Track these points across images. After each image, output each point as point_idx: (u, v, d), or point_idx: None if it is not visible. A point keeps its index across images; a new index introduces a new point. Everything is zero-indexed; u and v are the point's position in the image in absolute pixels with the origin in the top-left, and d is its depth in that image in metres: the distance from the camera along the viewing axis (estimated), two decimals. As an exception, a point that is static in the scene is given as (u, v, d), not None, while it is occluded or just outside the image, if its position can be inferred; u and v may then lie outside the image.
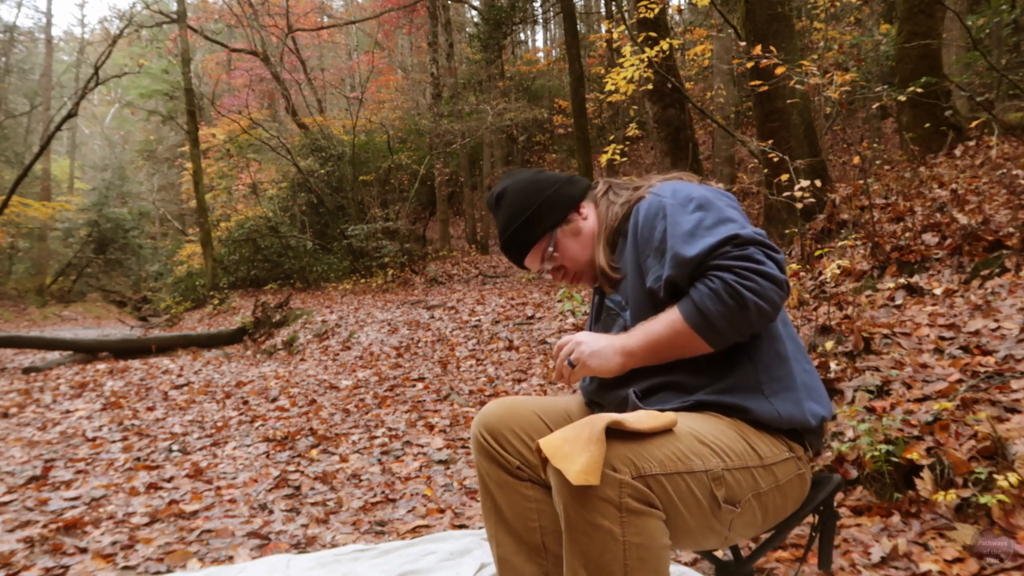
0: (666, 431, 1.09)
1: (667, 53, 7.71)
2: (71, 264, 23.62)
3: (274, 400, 4.70)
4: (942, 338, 2.82)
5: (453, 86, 16.67)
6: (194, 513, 2.58)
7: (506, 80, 17.43)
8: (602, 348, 1.24)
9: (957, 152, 6.38)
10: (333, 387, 5.03)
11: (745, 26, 6.17)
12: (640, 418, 1.07)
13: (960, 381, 2.35)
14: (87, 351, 7.99)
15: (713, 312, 1.13)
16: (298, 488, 2.85)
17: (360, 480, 2.95)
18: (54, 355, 7.95)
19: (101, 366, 6.87)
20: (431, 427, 3.74)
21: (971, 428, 2.04)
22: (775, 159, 5.20)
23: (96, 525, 2.45)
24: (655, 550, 1.03)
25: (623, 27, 8.17)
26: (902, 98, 5.18)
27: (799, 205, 3.97)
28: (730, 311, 1.12)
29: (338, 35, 24.10)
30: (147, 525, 2.46)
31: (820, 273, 4.36)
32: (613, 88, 8.00)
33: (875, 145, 9.17)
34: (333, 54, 25.66)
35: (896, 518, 1.92)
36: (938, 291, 3.44)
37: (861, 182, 4.89)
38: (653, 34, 7.65)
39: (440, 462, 3.14)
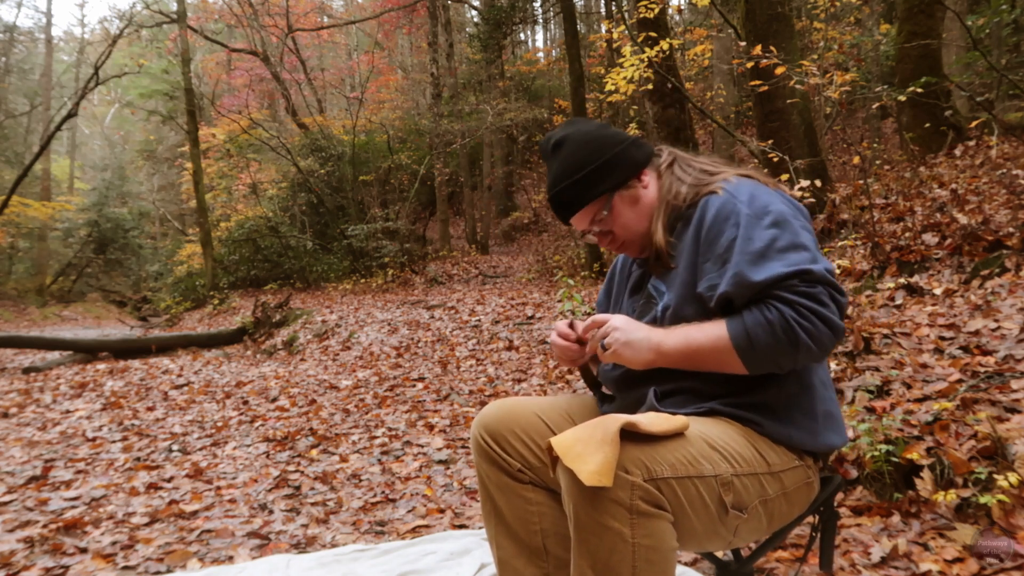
0: (678, 434, 1.09)
1: (667, 53, 7.71)
2: (71, 264, 23.61)
3: (274, 400, 4.70)
4: (942, 338, 2.82)
5: (453, 86, 16.67)
6: (194, 513, 2.58)
7: (506, 80, 17.42)
8: (638, 340, 1.19)
9: (957, 152, 6.38)
10: (333, 387, 5.03)
11: (745, 26, 6.17)
12: (652, 420, 1.07)
13: (960, 381, 2.34)
14: (87, 351, 7.99)
15: (762, 342, 1.10)
16: (298, 488, 2.85)
17: (360, 480, 2.95)
18: (54, 355, 7.94)
19: (101, 366, 6.87)
20: (431, 427, 3.74)
21: (971, 428, 2.04)
22: (775, 159, 5.19)
23: (96, 525, 2.45)
24: (663, 552, 1.03)
25: (623, 27, 8.17)
26: (902, 98, 5.18)
27: (799, 205, 3.96)
28: (779, 346, 1.09)
29: (338, 35, 24.09)
30: (147, 525, 2.46)
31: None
32: (613, 88, 8.00)
33: (875, 145, 9.16)
34: (333, 54, 25.65)
35: (896, 518, 1.92)
36: (938, 291, 3.44)
37: (861, 182, 4.89)
38: (653, 34, 7.65)
39: (440, 462, 3.14)
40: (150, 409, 4.58)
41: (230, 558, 2.17)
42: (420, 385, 4.85)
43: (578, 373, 1.27)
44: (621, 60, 7.93)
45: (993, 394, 2.20)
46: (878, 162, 7.53)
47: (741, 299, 1.14)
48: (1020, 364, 2.39)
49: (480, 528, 2.30)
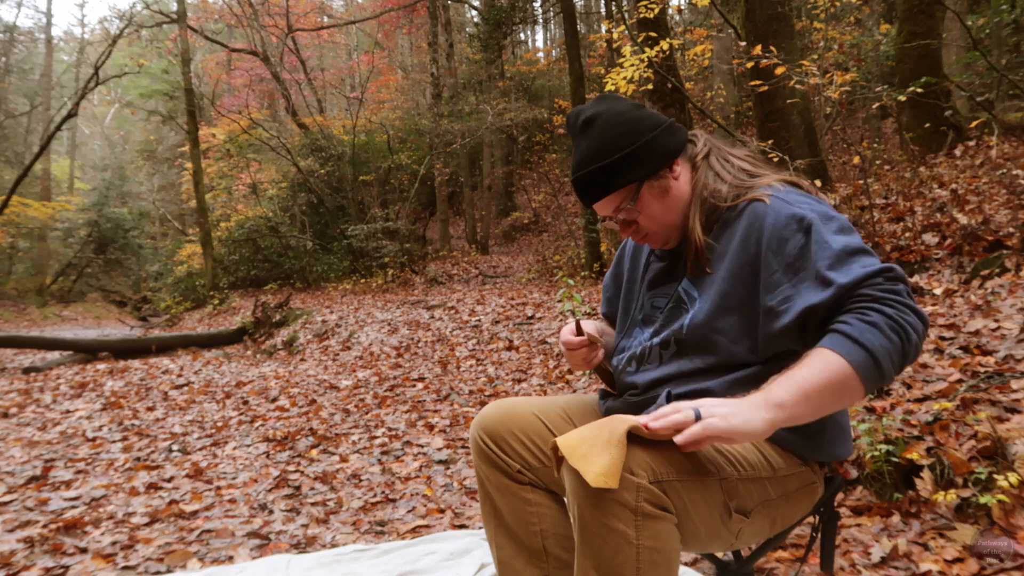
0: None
1: (667, 53, 7.71)
2: (71, 264, 23.61)
3: (274, 400, 4.70)
4: (942, 338, 2.82)
5: (453, 86, 16.67)
6: (194, 513, 2.58)
7: (506, 80, 17.42)
8: (738, 411, 0.99)
9: (957, 152, 6.38)
10: (333, 387, 5.03)
11: (745, 26, 6.17)
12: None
13: (960, 381, 2.35)
14: (87, 351, 7.99)
15: (879, 348, 0.98)
16: (298, 488, 2.85)
17: (360, 480, 2.95)
18: (54, 355, 7.95)
19: (101, 366, 6.87)
20: (431, 427, 3.74)
21: (971, 428, 2.04)
22: (775, 159, 5.19)
23: (96, 525, 2.45)
24: (668, 554, 1.03)
25: (623, 27, 8.17)
26: (902, 98, 5.17)
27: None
28: (894, 347, 0.99)
29: (338, 35, 24.10)
30: (147, 525, 2.46)
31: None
32: (613, 88, 7.99)
33: (875, 145, 9.16)
34: (333, 54, 25.65)
35: (896, 518, 1.92)
36: (938, 291, 3.44)
37: (861, 182, 4.89)
38: (653, 34, 7.64)
39: (440, 462, 3.14)
40: (150, 409, 4.58)
41: (230, 558, 2.17)
42: (420, 385, 4.85)
43: (595, 375, 1.22)
44: (621, 60, 7.92)
45: (993, 394, 2.20)
46: (878, 162, 7.53)
47: (826, 307, 1.04)
48: (1020, 364, 2.39)
49: (480, 528, 2.30)
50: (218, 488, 2.87)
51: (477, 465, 1.37)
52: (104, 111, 34.44)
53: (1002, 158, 5.69)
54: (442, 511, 2.54)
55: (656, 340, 1.29)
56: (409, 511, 2.56)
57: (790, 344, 1.13)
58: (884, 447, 2.03)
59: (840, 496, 2.10)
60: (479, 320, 6.97)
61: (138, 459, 3.36)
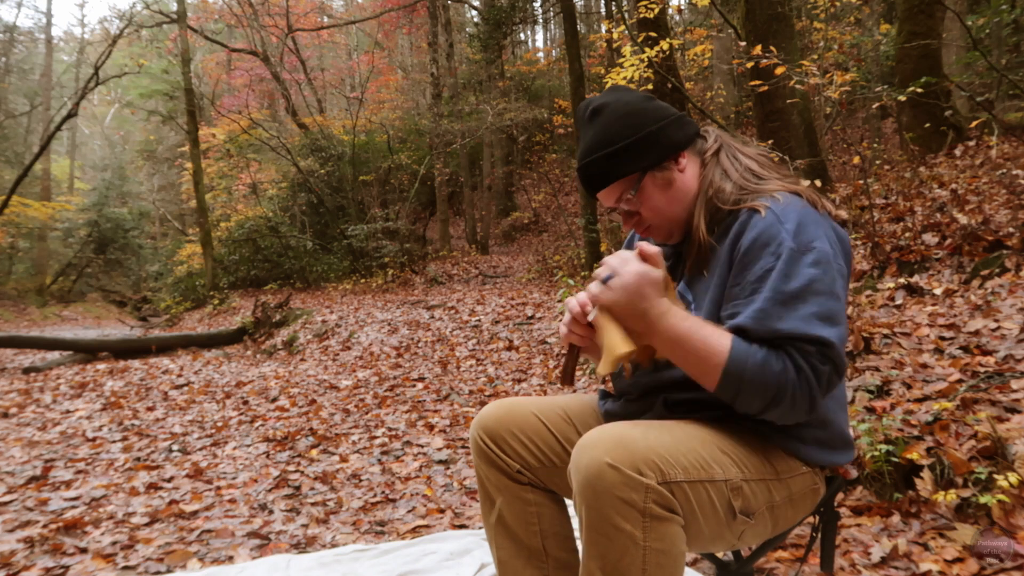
0: (685, 432, 1.11)
1: (667, 53, 7.72)
2: (71, 264, 23.61)
3: (274, 400, 4.70)
4: (942, 338, 2.82)
5: (453, 86, 16.67)
6: (194, 513, 2.58)
7: (506, 80, 17.42)
8: (631, 300, 1.08)
9: (957, 152, 6.38)
10: (333, 387, 5.02)
11: (745, 26, 6.17)
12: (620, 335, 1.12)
13: (960, 381, 2.34)
14: (87, 351, 7.99)
15: (754, 383, 1.04)
16: (298, 488, 2.85)
17: (360, 480, 2.95)
18: (54, 355, 7.95)
19: (101, 366, 6.87)
20: (431, 427, 3.74)
21: (971, 428, 2.04)
22: (775, 159, 5.19)
23: (96, 525, 2.45)
24: (674, 556, 1.03)
25: (623, 27, 8.17)
26: (902, 98, 5.17)
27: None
28: (763, 394, 1.05)
29: (338, 35, 24.09)
30: (147, 525, 2.46)
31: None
32: (613, 88, 7.98)
33: (875, 145, 9.16)
34: (333, 54, 25.65)
35: (896, 518, 1.92)
36: (938, 291, 3.44)
37: (861, 182, 4.89)
38: (653, 34, 7.65)
39: (440, 462, 3.14)
40: (150, 409, 4.58)
41: (230, 558, 2.17)
42: (420, 385, 4.85)
43: (567, 355, 1.24)
44: (621, 60, 7.93)
45: (993, 394, 2.20)
46: (878, 162, 7.53)
47: (755, 336, 1.07)
48: (1020, 364, 2.39)
49: (480, 528, 2.30)
50: (218, 488, 2.87)
51: (477, 465, 1.37)
52: (104, 111, 34.44)
53: (1002, 158, 5.69)
54: (442, 511, 2.54)
55: None
56: (409, 511, 2.56)
57: None
58: (884, 447, 2.03)
59: (840, 496, 2.10)
60: (479, 320, 6.97)
61: (138, 459, 3.36)
